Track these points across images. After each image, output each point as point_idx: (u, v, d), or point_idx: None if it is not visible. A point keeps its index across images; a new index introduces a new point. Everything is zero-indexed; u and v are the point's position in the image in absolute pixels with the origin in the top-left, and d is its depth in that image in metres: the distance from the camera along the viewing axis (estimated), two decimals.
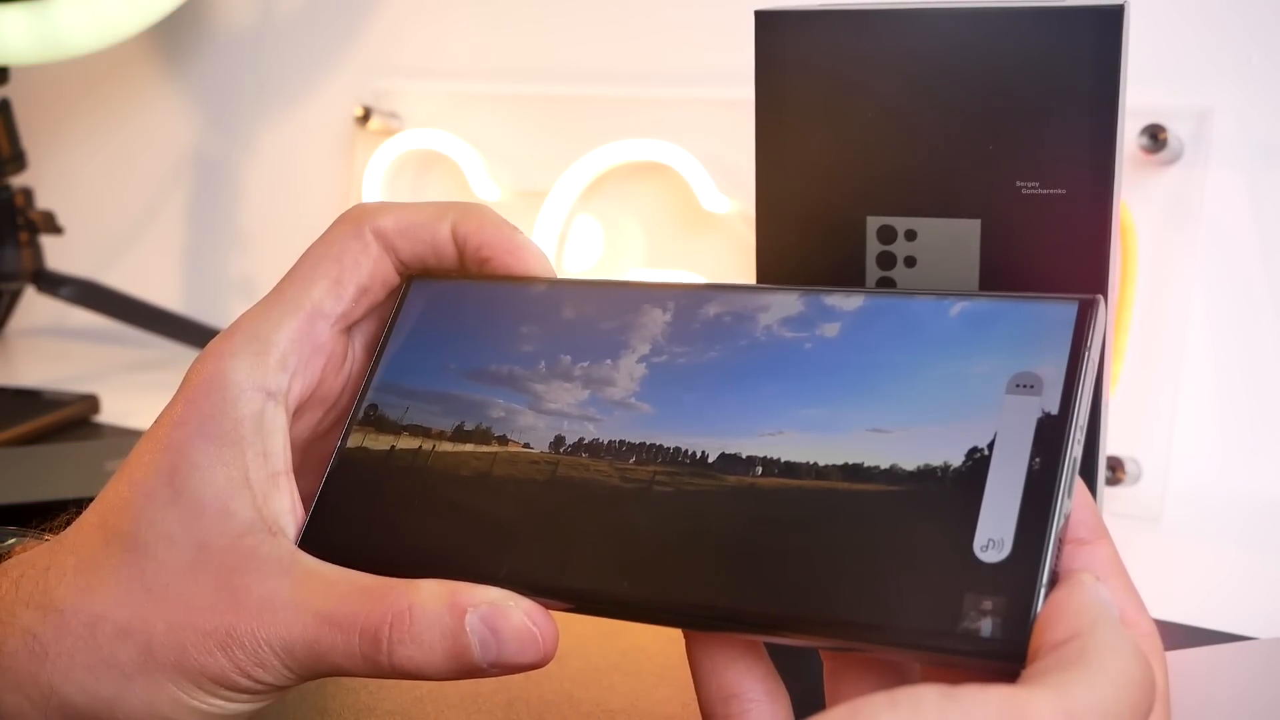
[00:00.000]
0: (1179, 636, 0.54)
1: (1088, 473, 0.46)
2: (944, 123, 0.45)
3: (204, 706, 0.38)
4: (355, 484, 0.40)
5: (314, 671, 0.38)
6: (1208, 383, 0.73)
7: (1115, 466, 0.68)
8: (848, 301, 0.37)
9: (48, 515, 0.44)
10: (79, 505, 0.42)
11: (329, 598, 0.37)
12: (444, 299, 0.42)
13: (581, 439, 0.38)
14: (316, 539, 0.39)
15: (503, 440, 0.39)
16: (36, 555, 0.40)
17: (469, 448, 0.40)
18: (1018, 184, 0.44)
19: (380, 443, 0.41)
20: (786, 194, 0.47)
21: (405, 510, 0.39)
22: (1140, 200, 0.70)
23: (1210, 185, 0.71)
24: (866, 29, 0.45)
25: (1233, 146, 0.71)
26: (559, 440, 0.39)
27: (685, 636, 0.37)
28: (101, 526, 0.39)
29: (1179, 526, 0.68)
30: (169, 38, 1.08)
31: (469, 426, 0.40)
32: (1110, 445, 0.70)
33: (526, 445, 0.39)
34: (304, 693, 0.50)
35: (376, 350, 0.42)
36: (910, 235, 0.46)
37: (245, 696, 0.38)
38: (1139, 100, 0.66)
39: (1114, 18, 0.42)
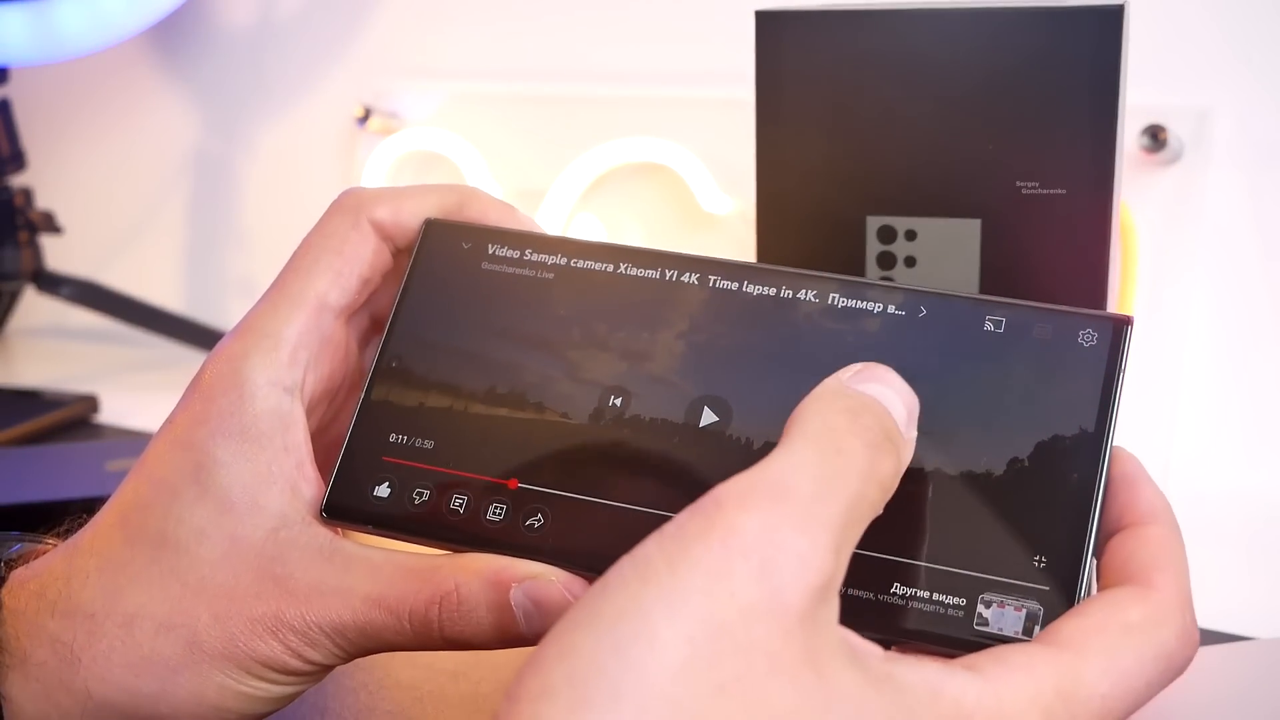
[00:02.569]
0: None
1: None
2: (944, 123, 0.45)
3: (252, 691, 0.38)
4: (383, 439, 0.40)
5: (365, 650, 0.38)
6: (1208, 383, 0.73)
7: None
8: (889, 297, 0.38)
9: (48, 516, 0.44)
10: (80, 506, 0.42)
11: (376, 582, 0.37)
12: (465, 249, 0.41)
13: (623, 414, 0.38)
14: (344, 493, 0.39)
15: (539, 407, 0.39)
16: (52, 563, 0.39)
17: (504, 412, 0.39)
18: (1018, 184, 0.44)
19: (407, 398, 0.40)
20: (786, 194, 0.47)
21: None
22: (1140, 200, 0.70)
23: (1210, 185, 0.71)
24: (866, 29, 0.45)
25: (1233, 146, 0.71)
26: (598, 413, 0.38)
27: None
28: (123, 526, 0.39)
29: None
30: (169, 38, 1.08)
31: (503, 389, 0.39)
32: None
33: (565, 415, 0.39)
34: (304, 692, 0.50)
35: (396, 297, 0.41)
36: (910, 235, 0.46)
37: (294, 679, 0.39)
38: (1139, 100, 0.66)
39: (1114, 18, 0.42)
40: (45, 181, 1.08)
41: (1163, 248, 0.70)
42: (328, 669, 0.39)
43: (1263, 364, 0.73)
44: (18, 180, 0.99)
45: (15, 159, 0.98)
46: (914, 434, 0.33)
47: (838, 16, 0.45)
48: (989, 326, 0.36)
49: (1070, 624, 0.32)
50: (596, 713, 0.26)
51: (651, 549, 0.28)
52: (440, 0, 0.97)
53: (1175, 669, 0.32)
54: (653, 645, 0.27)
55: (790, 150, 0.47)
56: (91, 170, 1.13)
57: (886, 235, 0.46)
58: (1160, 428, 0.70)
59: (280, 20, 1.04)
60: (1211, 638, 0.54)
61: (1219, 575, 0.63)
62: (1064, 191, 0.44)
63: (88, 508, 0.41)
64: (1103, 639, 0.31)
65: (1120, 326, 0.35)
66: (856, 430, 0.31)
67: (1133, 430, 0.70)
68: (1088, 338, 0.35)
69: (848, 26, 0.45)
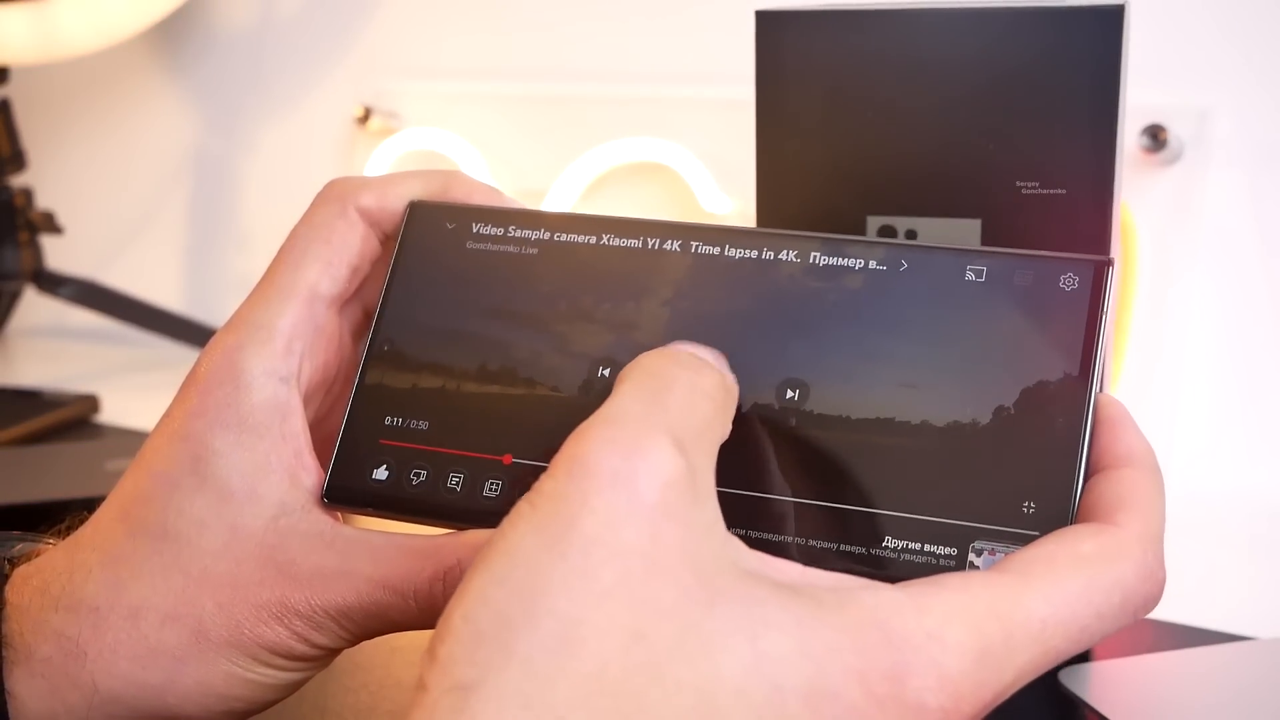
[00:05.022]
0: (1179, 636, 0.54)
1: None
2: (944, 123, 0.45)
3: (259, 678, 0.38)
4: (379, 422, 0.40)
5: (371, 632, 0.38)
6: (1208, 383, 0.73)
7: None
8: (869, 252, 0.38)
9: (48, 515, 0.44)
10: (80, 506, 0.42)
11: (378, 563, 0.38)
12: (451, 230, 0.42)
13: (611, 383, 0.38)
14: (344, 477, 0.40)
15: (530, 382, 0.39)
16: (54, 559, 0.39)
17: (496, 388, 0.39)
18: (1018, 184, 0.44)
19: (400, 380, 0.40)
20: (786, 194, 0.47)
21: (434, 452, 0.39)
22: (1140, 200, 0.70)
23: (1210, 185, 0.71)
24: (866, 29, 0.45)
25: (1233, 146, 0.71)
26: (588, 384, 0.39)
27: None
28: (124, 520, 0.39)
29: (1179, 526, 0.68)
30: (169, 38, 1.08)
31: (493, 366, 0.40)
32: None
33: (555, 388, 0.39)
34: (304, 692, 0.50)
35: (385, 280, 0.42)
36: (910, 235, 0.46)
37: (301, 664, 0.39)
38: (1139, 100, 0.66)
39: (1114, 18, 0.42)
40: (45, 181, 1.08)
41: (1163, 248, 0.70)
42: (334, 653, 0.39)
43: (1263, 364, 0.73)
44: (18, 180, 0.99)
45: (15, 159, 0.98)
46: (731, 376, 0.35)
47: (838, 16, 0.45)
48: (970, 276, 0.37)
49: (1019, 555, 0.31)
50: (490, 643, 0.27)
51: (520, 501, 0.30)
52: (440, 0, 0.97)
53: (1133, 606, 0.31)
54: (531, 571, 0.28)
55: (790, 150, 0.47)
56: (91, 170, 1.13)
57: (887, 235, 0.46)
58: (1160, 428, 0.70)
59: (280, 20, 1.04)
60: (1211, 638, 0.54)
61: (1219, 575, 0.63)
62: (1064, 191, 0.44)
63: (88, 507, 0.41)
64: (1049, 566, 0.31)
65: (1101, 268, 0.35)
66: (667, 361, 0.33)
67: None
68: (1069, 281, 0.36)
69: (848, 26, 0.45)
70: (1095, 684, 0.49)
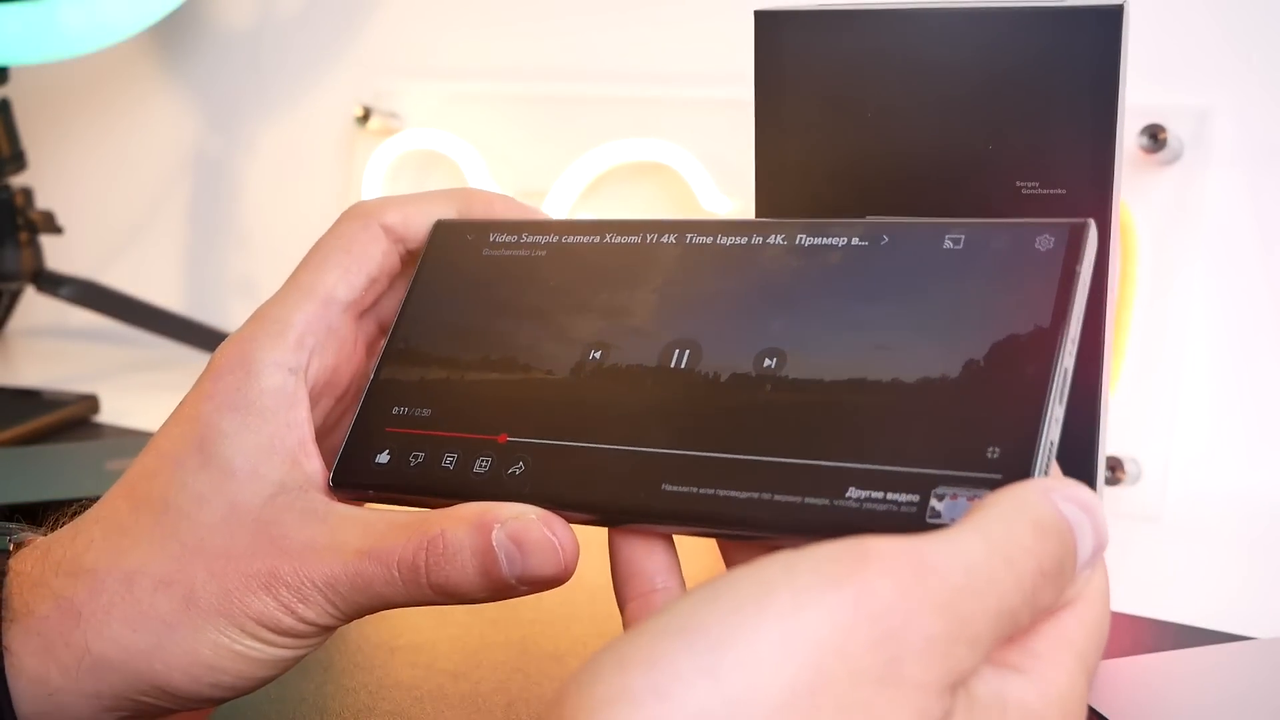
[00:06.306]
0: (1179, 636, 0.54)
1: (1087, 473, 0.46)
2: (944, 123, 0.45)
3: (247, 651, 0.39)
4: (387, 413, 0.42)
5: (359, 607, 0.39)
6: (1208, 383, 0.73)
7: (1115, 467, 0.68)
8: (851, 230, 0.39)
9: (48, 516, 0.44)
10: (80, 505, 0.43)
11: (367, 536, 0.39)
12: (469, 240, 0.44)
13: (601, 364, 0.40)
14: (350, 463, 0.41)
15: (526, 368, 0.41)
16: (60, 531, 0.41)
17: (495, 376, 0.41)
18: (1018, 184, 0.44)
19: (410, 374, 0.43)
20: (786, 194, 0.47)
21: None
22: (1140, 200, 0.70)
23: (1210, 185, 0.71)
24: (866, 29, 0.45)
25: (1233, 146, 0.71)
26: (579, 366, 0.40)
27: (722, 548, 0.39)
28: (129, 495, 0.40)
29: (1179, 526, 0.68)
30: (169, 38, 1.08)
31: (495, 356, 0.42)
32: (1110, 445, 0.70)
33: (549, 372, 0.41)
34: (304, 693, 0.50)
35: (407, 290, 0.44)
36: None
37: (289, 640, 0.39)
38: (1139, 100, 0.66)
39: (1114, 18, 0.42)
40: (45, 181, 1.08)
41: (1163, 247, 0.70)
42: (323, 630, 0.40)
43: (1263, 364, 0.73)
44: (18, 180, 0.99)
45: (15, 159, 0.98)
46: (1088, 572, 0.32)
47: (837, 16, 0.45)
48: (949, 244, 0.37)
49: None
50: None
51: (778, 576, 0.28)
52: (440, 0, 0.97)
53: None
54: (752, 680, 0.26)
55: (790, 150, 0.47)
56: (91, 170, 1.13)
57: None
58: (1160, 428, 0.70)
59: (280, 20, 1.04)
60: (1211, 638, 0.54)
61: (1219, 575, 0.63)
62: (1064, 191, 0.44)
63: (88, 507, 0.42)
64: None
65: (1078, 229, 0.36)
66: (1037, 552, 0.30)
67: (1133, 430, 0.70)
68: (1044, 242, 0.36)
69: (847, 26, 0.45)
70: (1095, 683, 0.49)
